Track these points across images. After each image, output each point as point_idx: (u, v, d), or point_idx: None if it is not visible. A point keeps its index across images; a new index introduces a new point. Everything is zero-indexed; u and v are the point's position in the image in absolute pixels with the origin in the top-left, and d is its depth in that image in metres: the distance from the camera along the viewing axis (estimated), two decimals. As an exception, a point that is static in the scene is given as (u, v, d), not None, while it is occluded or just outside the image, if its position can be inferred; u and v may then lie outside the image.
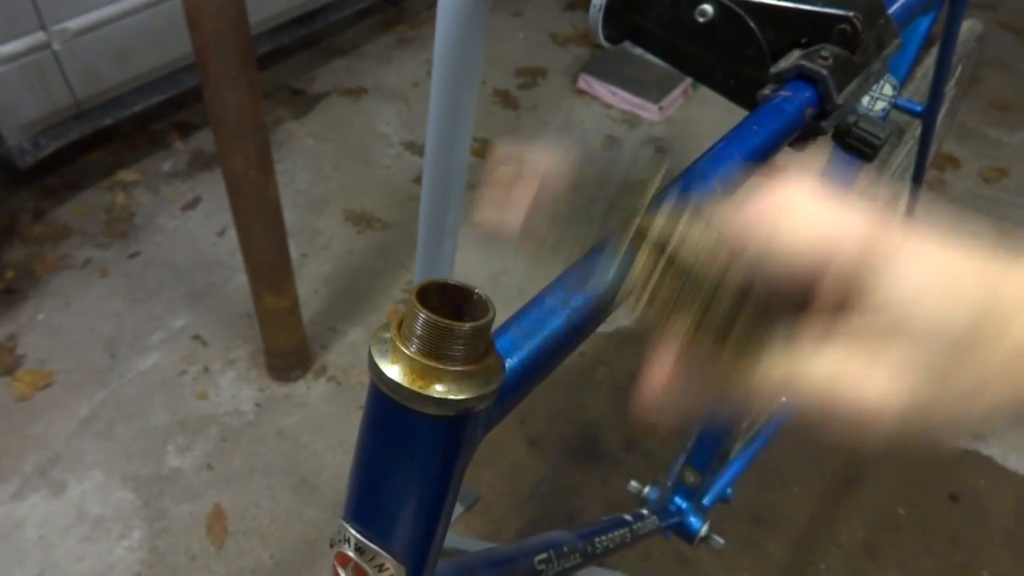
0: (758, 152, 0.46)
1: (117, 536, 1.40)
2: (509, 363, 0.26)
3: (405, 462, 0.27)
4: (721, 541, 1.07)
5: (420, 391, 0.24)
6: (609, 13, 0.62)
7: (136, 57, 1.87)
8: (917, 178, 1.31)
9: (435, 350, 0.25)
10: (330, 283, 1.87)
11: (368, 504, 0.29)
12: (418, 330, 0.24)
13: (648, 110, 2.48)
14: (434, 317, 0.24)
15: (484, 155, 2.27)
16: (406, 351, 0.25)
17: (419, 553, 0.29)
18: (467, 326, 0.24)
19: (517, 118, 2.45)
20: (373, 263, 1.93)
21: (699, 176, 0.42)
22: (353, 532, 0.29)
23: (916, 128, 1.32)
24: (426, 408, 0.25)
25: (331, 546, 0.30)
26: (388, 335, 0.25)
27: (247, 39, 1.17)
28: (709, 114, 2.48)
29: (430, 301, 0.25)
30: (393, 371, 0.25)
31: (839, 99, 0.51)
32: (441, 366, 0.25)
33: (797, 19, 0.53)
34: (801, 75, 0.51)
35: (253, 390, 1.64)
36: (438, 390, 0.24)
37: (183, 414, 1.59)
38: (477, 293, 0.26)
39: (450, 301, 0.26)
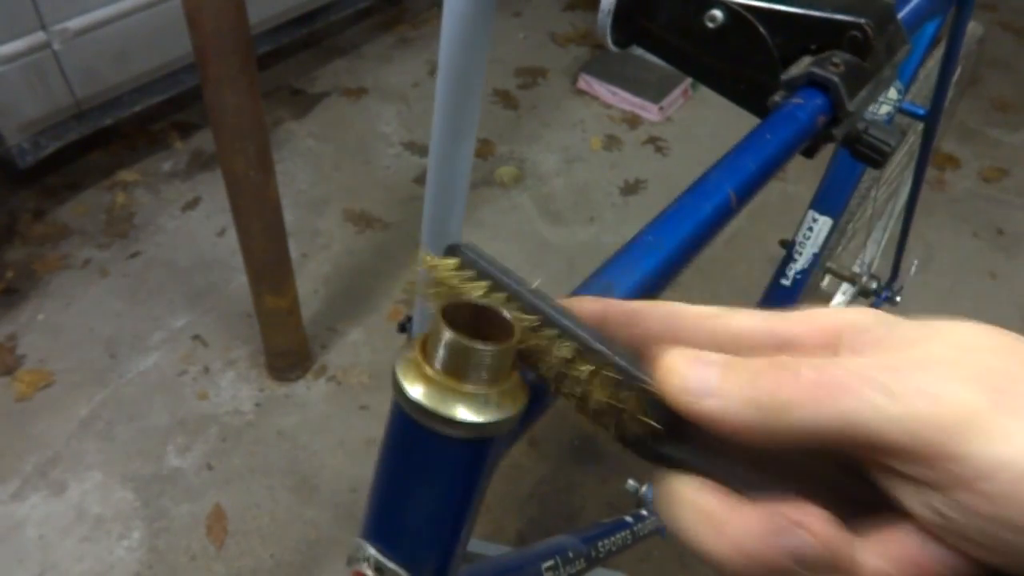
0: (771, 160, 0.45)
1: (117, 536, 1.39)
2: (530, 382, 0.26)
3: (427, 483, 0.27)
4: None
5: (445, 413, 0.24)
6: (618, 17, 0.61)
7: (136, 57, 1.86)
8: (917, 179, 1.31)
9: (461, 371, 0.24)
10: (330, 283, 1.87)
11: (388, 523, 0.29)
12: (444, 351, 0.24)
13: (648, 110, 2.48)
14: (462, 338, 0.24)
15: (485, 155, 2.26)
16: (431, 372, 0.24)
17: (439, 571, 0.29)
18: (495, 348, 0.24)
19: (517, 118, 2.44)
20: (373, 263, 1.93)
21: (713, 186, 0.42)
22: (372, 551, 0.29)
23: (917, 129, 1.32)
24: (450, 431, 0.24)
25: (348, 564, 0.30)
26: (412, 355, 0.25)
27: (247, 39, 1.17)
28: (709, 114, 2.48)
29: (453, 321, 0.24)
30: (418, 392, 0.24)
31: (851, 106, 0.50)
32: (467, 388, 0.24)
33: (808, 25, 0.53)
34: (812, 82, 0.50)
35: (253, 390, 1.64)
36: (463, 412, 0.24)
37: (183, 414, 1.58)
38: (499, 313, 0.25)
39: (469, 320, 0.25)
